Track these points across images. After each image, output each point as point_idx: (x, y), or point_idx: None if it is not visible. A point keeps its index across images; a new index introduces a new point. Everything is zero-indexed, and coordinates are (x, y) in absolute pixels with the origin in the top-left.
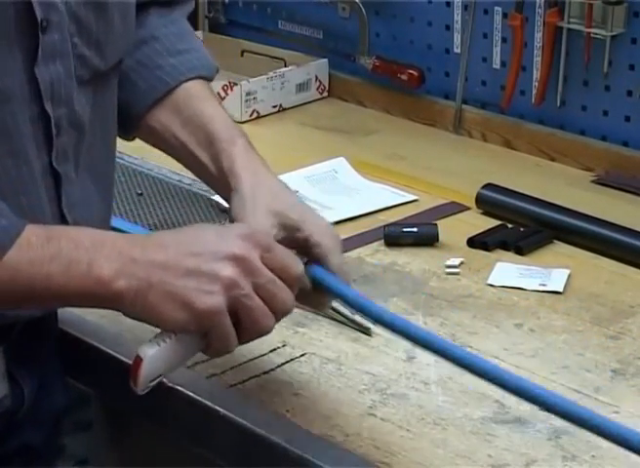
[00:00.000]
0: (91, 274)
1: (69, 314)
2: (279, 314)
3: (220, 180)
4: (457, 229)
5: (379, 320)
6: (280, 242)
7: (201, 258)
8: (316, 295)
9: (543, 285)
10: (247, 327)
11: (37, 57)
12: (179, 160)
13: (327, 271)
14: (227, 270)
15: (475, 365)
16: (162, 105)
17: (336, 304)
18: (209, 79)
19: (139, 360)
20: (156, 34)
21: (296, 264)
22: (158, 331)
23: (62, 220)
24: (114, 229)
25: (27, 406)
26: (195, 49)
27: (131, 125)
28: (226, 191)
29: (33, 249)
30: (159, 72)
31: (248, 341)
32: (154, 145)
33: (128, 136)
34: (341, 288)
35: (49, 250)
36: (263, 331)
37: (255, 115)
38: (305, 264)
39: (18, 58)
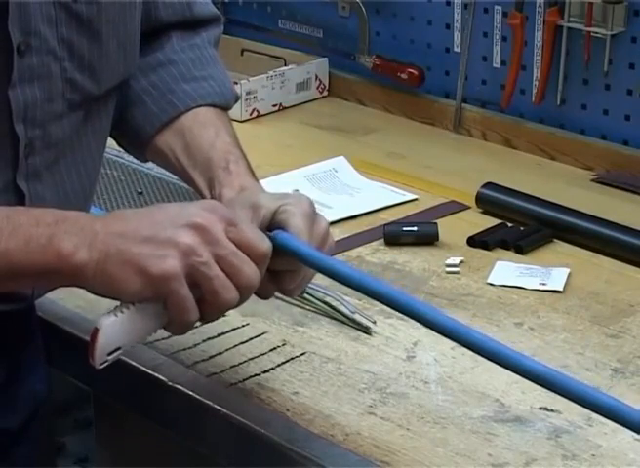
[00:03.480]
0: (50, 248)
1: (68, 312)
2: (242, 289)
3: None
4: (457, 228)
5: (346, 281)
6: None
7: (160, 226)
8: (264, 283)
9: (543, 284)
10: (207, 298)
11: (11, 78)
12: (184, 182)
13: (290, 235)
14: (185, 237)
15: (443, 324)
16: (169, 129)
17: (335, 303)
18: (224, 107)
19: (95, 330)
20: (174, 58)
21: (262, 240)
22: None
23: None
24: None
25: None
26: (212, 76)
27: (141, 145)
28: None
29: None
30: (171, 96)
31: (211, 318)
32: (163, 167)
33: (140, 157)
34: (301, 247)
35: (7, 227)
36: (225, 305)
37: (255, 114)
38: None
39: None
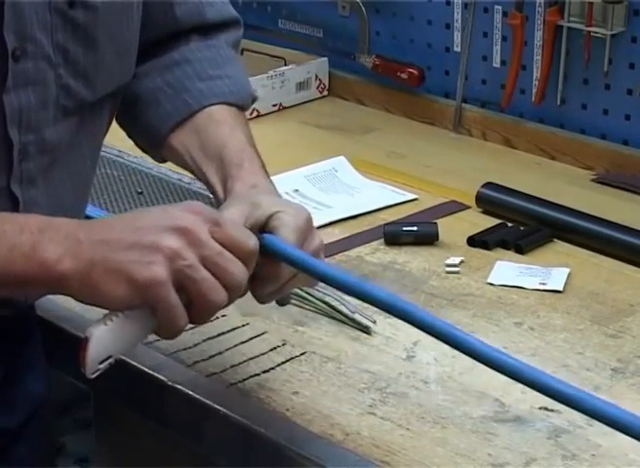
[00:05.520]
0: (34, 257)
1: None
2: (230, 288)
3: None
4: (457, 228)
5: (334, 283)
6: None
7: (143, 231)
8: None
9: (543, 283)
10: (196, 301)
11: (6, 83)
12: (198, 180)
13: (278, 238)
14: (169, 240)
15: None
16: (184, 128)
17: (335, 303)
18: (239, 106)
19: (85, 340)
20: (189, 57)
21: (248, 238)
22: None
23: None
24: None
25: None
26: (228, 75)
27: (156, 145)
28: None
29: None
30: (185, 95)
31: (202, 320)
32: (178, 165)
33: (156, 156)
34: (288, 249)
35: None
36: (214, 306)
37: (255, 114)
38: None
39: None
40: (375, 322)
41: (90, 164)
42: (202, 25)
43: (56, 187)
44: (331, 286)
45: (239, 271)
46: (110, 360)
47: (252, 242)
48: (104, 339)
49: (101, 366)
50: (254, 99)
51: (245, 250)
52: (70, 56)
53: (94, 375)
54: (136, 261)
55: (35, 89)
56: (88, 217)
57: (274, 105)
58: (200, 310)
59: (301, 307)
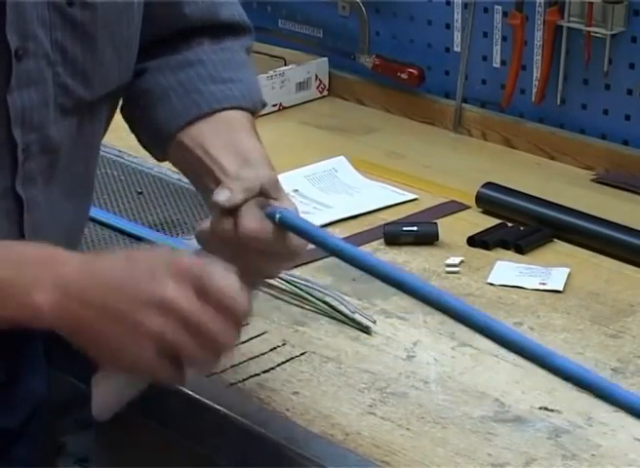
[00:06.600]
0: (21, 301)
1: None
2: (222, 349)
3: None
4: (457, 228)
5: (351, 260)
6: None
7: (129, 303)
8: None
9: (543, 283)
10: (191, 362)
11: (10, 83)
12: (203, 175)
13: (293, 212)
14: (155, 321)
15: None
16: (197, 125)
17: (335, 303)
18: (250, 111)
19: (90, 390)
20: (203, 58)
21: (240, 300)
22: None
23: None
24: (115, 228)
25: None
26: (241, 80)
27: (160, 142)
28: None
29: None
30: (196, 96)
31: (202, 371)
32: (178, 164)
33: (156, 153)
34: (307, 225)
35: None
36: (208, 364)
37: None
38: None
39: None
40: (375, 322)
41: (90, 163)
42: (214, 24)
43: (57, 187)
44: (346, 262)
45: (229, 337)
46: (120, 405)
47: (245, 304)
48: (109, 388)
49: (111, 411)
50: (264, 105)
51: (236, 313)
52: (69, 54)
53: (104, 419)
54: (123, 342)
55: (36, 88)
56: (90, 218)
57: (274, 105)
58: (195, 366)
59: (301, 307)
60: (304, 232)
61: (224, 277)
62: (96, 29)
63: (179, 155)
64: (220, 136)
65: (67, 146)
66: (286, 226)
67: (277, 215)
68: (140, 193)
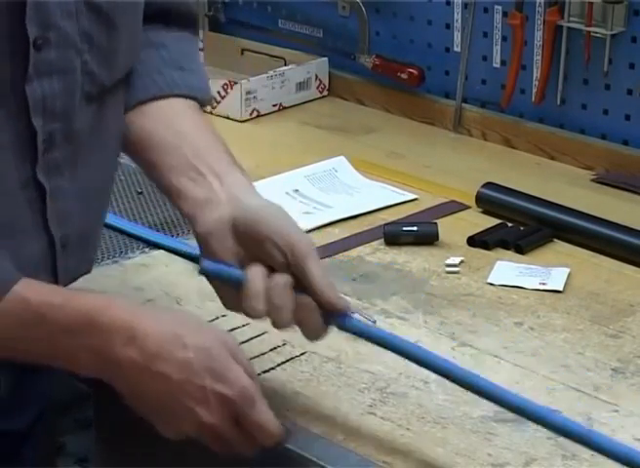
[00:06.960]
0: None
1: None
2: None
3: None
4: (457, 228)
5: (418, 360)
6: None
7: (178, 393)
8: None
9: (543, 283)
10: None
11: (28, 72)
12: (146, 157)
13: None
14: (204, 416)
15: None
16: (147, 112)
17: None
18: (201, 103)
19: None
20: (167, 43)
21: (274, 428)
22: None
23: (46, 232)
24: (115, 228)
25: (4, 394)
26: (197, 72)
27: None
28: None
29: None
30: (157, 77)
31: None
32: (127, 149)
33: None
34: (374, 331)
35: (37, 332)
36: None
37: (255, 114)
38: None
39: (6, 73)
40: (375, 322)
41: (113, 151)
42: (169, 12)
43: (81, 176)
44: (422, 366)
45: (250, 449)
46: None
47: (277, 432)
48: None
49: None
50: (211, 100)
51: (270, 438)
52: (95, 41)
53: None
54: (166, 422)
55: (60, 77)
56: None
57: (274, 105)
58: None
59: None
60: (374, 338)
61: (265, 412)
62: (116, 14)
63: (129, 138)
64: (169, 129)
65: (93, 133)
66: (352, 332)
67: (343, 323)
68: (140, 193)
